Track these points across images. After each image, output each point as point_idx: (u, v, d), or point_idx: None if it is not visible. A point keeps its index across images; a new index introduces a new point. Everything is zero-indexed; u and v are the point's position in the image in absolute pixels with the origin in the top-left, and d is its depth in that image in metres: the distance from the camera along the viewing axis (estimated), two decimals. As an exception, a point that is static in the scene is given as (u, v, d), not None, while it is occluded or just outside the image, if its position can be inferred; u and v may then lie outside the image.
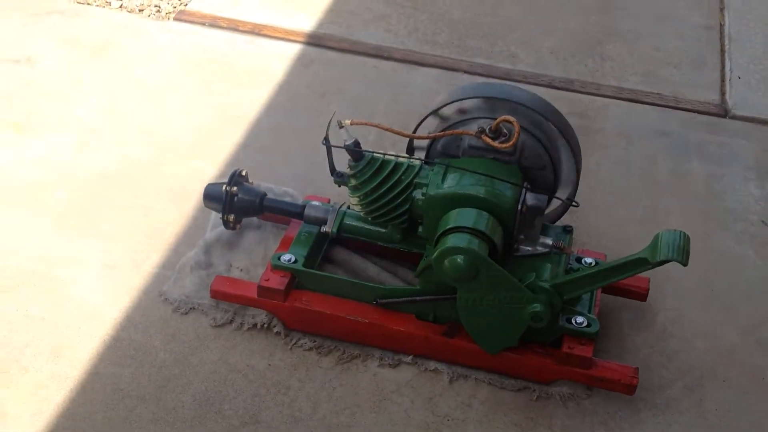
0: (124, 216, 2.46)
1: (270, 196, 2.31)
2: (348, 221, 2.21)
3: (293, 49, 3.16)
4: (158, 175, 2.61)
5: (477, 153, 2.08)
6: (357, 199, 2.11)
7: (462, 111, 2.14)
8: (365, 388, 2.07)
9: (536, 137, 2.08)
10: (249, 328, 2.17)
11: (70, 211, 2.47)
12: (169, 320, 2.19)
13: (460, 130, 2.08)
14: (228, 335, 2.16)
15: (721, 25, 3.46)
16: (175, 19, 3.28)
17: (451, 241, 1.90)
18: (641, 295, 2.24)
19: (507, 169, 2.04)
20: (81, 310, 2.20)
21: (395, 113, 2.88)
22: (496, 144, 2.03)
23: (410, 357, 2.12)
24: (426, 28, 3.32)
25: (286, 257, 2.16)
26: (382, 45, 3.21)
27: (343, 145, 2.06)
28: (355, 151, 2.06)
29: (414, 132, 2.17)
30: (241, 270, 2.29)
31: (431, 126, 2.17)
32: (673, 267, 1.93)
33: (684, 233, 1.90)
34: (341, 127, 2.04)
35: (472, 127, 2.07)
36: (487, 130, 2.05)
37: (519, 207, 1.97)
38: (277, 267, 2.15)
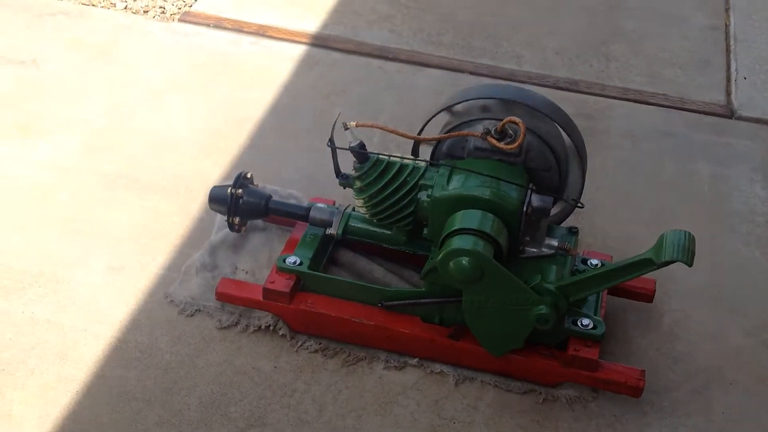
0: (129, 218, 2.46)
1: (275, 198, 2.31)
2: (353, 223, 2.21)
3: (298, 50, 3.16)
4: (163, 177, 2.61)
5: (482, 154, 2.07)
6: (362, 201, 2.11)
7: (467, 112, 2.14)
8: (371, 391, 2.07)
9: (542, 138, 2.07)
10: (254, 331, 2.17)
11: (76, 212, 2.47)
12: (174, 322, 2.19)
13: (465, 131, 2.07)
14: (233, 337, 2.16)
15: (727, 26, 3.45)
16: (179, 20, 3.28)
17: (456, 243, 1.90)
18: (647, 297, 2.24)
19: (512, 170, 2.04)
20: (87, 312, 2.20)
21: (400, 114, 2.88)
22: (501, 145, 2.02)
23: (416, 359, 2.12)
24: (431, 29, 3.32)
25: (292, 259, 2.16)
26: (386, 46, 3.21)
27: (348, 147, 2.06)
28: (360, 152, 2.06)
29: (419, 133, 2.16)
30: (247, 272, 2.29)
31: (442, 123, 2.17)
32: (679, 268, 1.93)
33: (689, 233, 1.89)
34: (346, 128, 2.04)
35: (478, 129, 2.07)
36: (492, 132, 2.04)
37: (524, 209, 1.97)
38: (282, 269, 2.15)
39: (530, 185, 2.02)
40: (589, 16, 3.45)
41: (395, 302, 2.10)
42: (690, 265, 1.84)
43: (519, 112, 2.07)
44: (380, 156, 2.08)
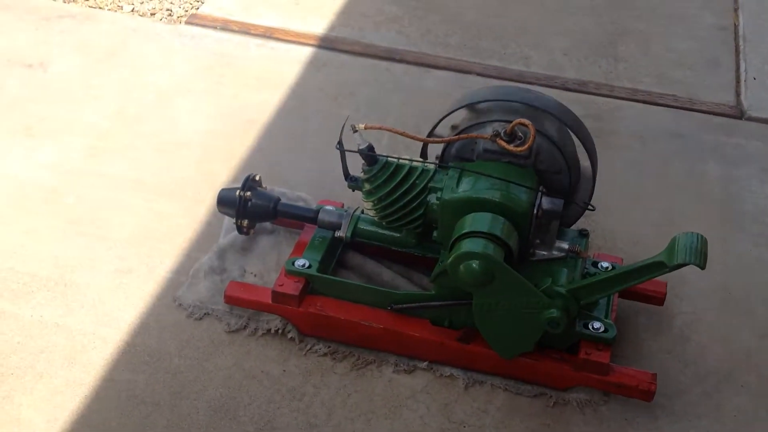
0: (136, 221, 2.46)
1: (283, 200, 2.30)
2: (362, 226, 2.20)
3: (305, 53, 3.16)
4: (170, 180, 2.61)
5: (492, 156, 2.06)
6: (371, 203, 2.10)
7: (478, 114, 2.12)
8: (380, 395, 2.06)
9: (552, 140, 2.06)
10: (263, 334, 2.16)
11: (82, 215, 2.47)
12: (183, 326, 2.18)
13: (474, 133, 2.06)
14: (242, 341, 2.15)
15: (735, 26, 3.43)
16: (186, 22, 3.28)
17: (466, 246, 1.89)
18: (658, 300, 2.22)
19: (522, 172, 2.02)
20: (95, 315, 2.20)
21: (408, 116, 2.87)
22: (511, 147, 2.01)
23: (425, 363, 2.11)
24: (438, 30, 3.31)
25: (300, 262, 2.15)
26: (394, 47, 3.20)
27: (356, 150, 2.05)
28: (369, 155, 2.05)
29: (428, 135, 2.15)
30: (255, 275, 2.28)
31: (445, 131, 2.15)
32: (690, 270, 1.91)
33: (701, 236, 1.88)
34: (355, 131, 2.03)
35: (487, 131, 2.06)
36: (502, 134, 2.03)
37: (535, 211, 1.96)
38: (291, 272, 2.14)
39: (540, 187, 2.01)
40: (596, 17, 3.44)
41: (405, 305, 2.09)
42: (703, 268, 1.82)
43: (528, 115, 2.06)
44: (389, 158, 2.07)
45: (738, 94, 3.08)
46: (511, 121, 2.01)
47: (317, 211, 2.25)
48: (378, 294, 2.11)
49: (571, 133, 2.11)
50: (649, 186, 2.69)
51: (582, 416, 2.03)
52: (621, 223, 2.54)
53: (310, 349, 2.14)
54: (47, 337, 2.14)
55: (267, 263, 2.31)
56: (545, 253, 2.03)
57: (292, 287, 2.12)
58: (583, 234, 2.17)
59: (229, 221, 2.36)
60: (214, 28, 3.26)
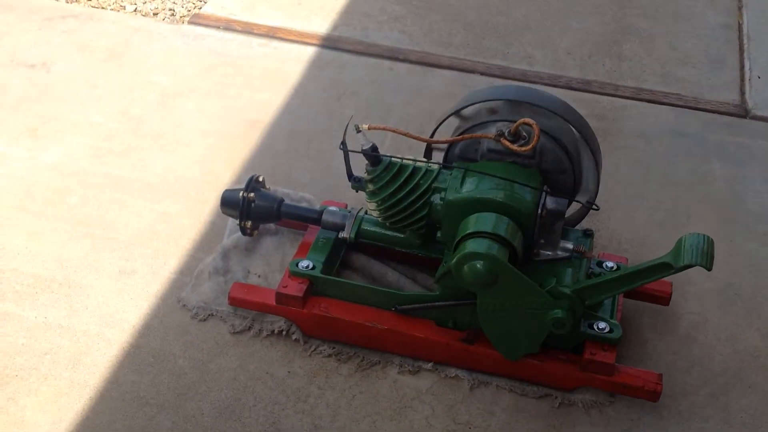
0: (140, 221, 2.46)
1: (287, 201, 2.30)
2: (366, 227, 2.20)
3: (308, 52, 3.15)
4: (173, 180, 2.60)
5: (496, 156, 2.05)
6: (375, 204, 2.09)
7: (480, 114, 2.12)
8: (385, 396, 2.05)
9: (556, 140, 2.05)
10: (267, 335, 2.16)
11: (86, 216, 2.47)
12: (187, 327, 2.18)
13: (478, 133, 2.06)
14: (247, 342, 2.15)
15: (740, 24, 3.42)
16: (189, 22, 3.27)
17: (471, 246, 1.88)
18: (664, 300, 2.22)
19: (526, 172, 2.02)
20: (99, 316, 2.20)
21: (411, 115, 2.86)
22: (515, 147, 2.00)
23: (430, 364, 2.11)
24: (441, 30, 3.30)
25: (304, 263, 2.15)
26: (397, 47, 3.19)
27: (360, 150, 2.04)
28: (372, 155, 2.04)
29: (432, 136, 2.14)
30: (259, 276, 2.27)
31: (448, 131, 2.15)
32: (696, 270, 1.90)
33: (708, 237, 1.87)
34: (358, 131, 2.02)
35: (491, 131, 2.05)
36: (506, 133, 2.02)
37: (539, 211, 1.95)
38: (295, 273, 2.14)
39: (545, 187, 2.00)
40: (600, 15, 3.43)
41: (409, 306, 2.09)
42: (709, 269, 1.82)
43: (531, 114, 2.05)
44: (393, 159, 2.06)
45: (743, 92, 3.08)
46: (515, 121, 2.01)
47: (321, 212, 2.24)
48: (382, 295, 2.11)
49: (576, 133, 2.10)
50: (654, 185, 2.68)
51: (588, 417, 2.02)
52: (625, 223, 2.53)
53: (314, 350, 2.13)
54: (52, 338, 2.14)
55: (271, 264, 2.30)
56: (550, 253, 2.02)
57: (296, 289, 2.12)
58: (588, 234, 2.16)
59: (232, 222, 2.35)
60: (217, 27, 3.25)
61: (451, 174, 2.04)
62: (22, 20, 3.23)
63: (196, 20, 3.28)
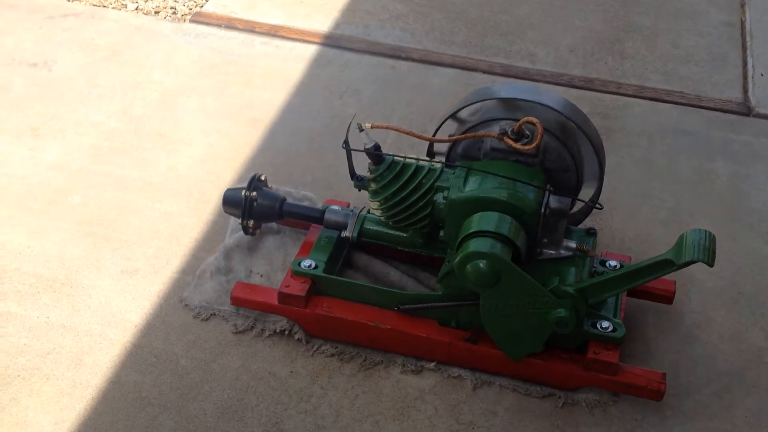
0: (141, 221, 2.45)
1: (289, 200, 2.29)
2: (368, 226, 2.19)
3: (310, 50, 3.14)
4: (175, 179, 2.60)
5: (499, 155, 2.05)
6: (377, 203, 2.08)
7: (483, 113, 2.11)
8: (388, 395, 2.05)
9: (559, 138, 2.04)
10: (270, 335, 2.15)
11: (88, 215, 2.46)
12: (189, 326, 2.18)
13: (481, 132, 2.05)
14: (249, 342, 2.14)
15: (742, 22, 3.41)
16: (190, 21, 3.27)
17: (473, 245, 1.88)
18: (667, 298, 2.21)
19: (530, 171, 2.01)
20: (101, 316, 2.19)
21: (413, 114, 2.85)
22: (518, 146, 2.00)
23: (433, 363, 2.10)
24: (443, 28, 3.29)
25: (307, 263, 2.14)
26: (399, 45, 3.19)
27: (363, 149, 2.03)
28: (375, 154, 2.04)
29: (434, 135, 2.14)
30: (261, 276, 2.27)
31: (451, 130, 2.15)
32: (699, 269, 1.90)
33: (709, 233, 1.86)
34: (361, 130, 2.02)
35: (494, 129, 2.04)
36: (509, 132, 2.01)
37: (542, 210, 1.94)
38: (297, 273, 2.13)
39: (548, 186, 1.99)
40: (602, 13, 3.42)
41: (412, 306, 2.08)
42: (711, 265, 1.81)
43: (534, 113, 2.05)
44: (396, 157, 2.05)
45: (745, 90, 3.06)
46: (518, 119, 2.00)
47: (323, 211, 2.24)
48: (385, 294, 2.10)
49: (579, 131, 2.09)
50: (657, 184, 2.68)
51: (591, 417, 2.02)
52: (628, 222, 2.53)
53: (317, 350, 2.13)
54: (54, 338, 2.13)
55: (273, 264, 2.30)
56: (553, 252, 2.01)
57: (299, 288, 2.11)
58: (591, 233, 2.15)
59: (234, 221, 2.35)
60: (219, 26, 3.24)
61: (453, 173, 2.03)
62: (24, 19, 3.22)
63: (198, 19, 3.27)
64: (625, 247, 2.42)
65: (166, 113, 2.85)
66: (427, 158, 2.13)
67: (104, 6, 3.31)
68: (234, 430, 1.96)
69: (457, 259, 1.89)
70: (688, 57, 3.21)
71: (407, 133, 2.05)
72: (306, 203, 2.38)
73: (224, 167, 2.64)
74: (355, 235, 2.18)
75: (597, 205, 2.09)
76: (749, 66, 3.17)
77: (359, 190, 2.15)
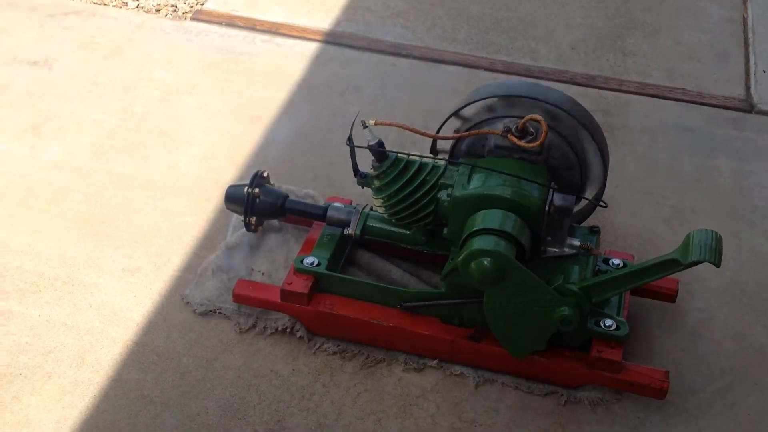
0: (143, 219, 2.44)
1: (292, 197, 2.29)
2: (371, 223, 2.19)
3: (311, 48, 3.13)
4: (176, 177, 2.59)
5: (503, 153, 2.04)
6: (381, 200, 2.08)
7: (487, 110, 2.10)
8: (390, 393, 2.04)
9: (563, 136, 2.04)
10: (272, 333, 2.15)
11: (89, 213, 2.46)
12: (191, 324, 2.17)
13: (485, 129, 2.04)
14: (251, 340, 2.14)
15: (745, 18, 3.40)
16: (191, 18, 3.26)
17: (478, 243, 1.87)
18: (670, 297, 2.20)
19: (534, 169, 2.00)
20: (103, 314, 2.19)
21: (415, 111, 2.85)
22: (522, 143, 1.99)
23: (435, 361, 2.09)
24: (444, 25, 3.28)
25: (309, 260, 2.14)
26: (400, 42, 3.18)
27: (366, 146, 2.03)
28: (379, 151, 2.03)
29: (438, 132, 2.13)
30: (263, 273, 2.26)
31: (454, 127, 2.14)
32: (702, 267, 1.89)
33: (716, 233, 1.86)
34: (365, 127, 2.01)
35: (498, 127, 2.04)
36: (513, 130, 2.01)
37: (546, 208, 1.94)
38: (299, 270, 2.13)
39: (552, 184, 1.98)
40: (604, 10, 3.41)
41: (414, 303, 2.08)
42: (718, 266, 1.80)
43: (538, 110, 2.04)
44: (399, 155, 2.05)
45: (748, 87, 3.06)
46: (522, 117, 2.00)
47: (326, 208, 2.23)
48: (387, 292, 2.10)
49: (583, 129, 2.08)
50: (659, 181, 2.67)
51: (594, 415, 2.01)
52: (631, 219, 2.52)
53: (319, 347, 2.12)
54: (55, 336, 2.13)
55: (275, 261, 2.29)
56: (556, 250, 2.01)
57: (301, 285, 2.11)
58: (594, 231, 2.15)
59: (236, 219, 2.34)
60: (220, 24, 3.24)
61: (457, 170, 2.02)
62: (24, 17, 3.21)
63: (199, 16, 3.27)
64: (628, 245, 2.41)
65: (167, 111, 2.84)
66: (431, 155, 2.12)
67: (105, 4, 3.30)
68: (236, 428, 1.96)
69: (461, 257, 1.88)
70: (690, 54, 3.21)
71: (411, 130, 2.05)
72: (308, 200, 2.38)
73: (225, 165, 2.63)
74: (357, 232, 2.18)
75: (601, 203, 2.08)
76: (751, 63, 3.16)
77: (362, 187, 2.14)
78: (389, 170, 2.03)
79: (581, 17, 3.37)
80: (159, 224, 2.43)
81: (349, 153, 2.06)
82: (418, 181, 2.02)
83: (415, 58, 3.12)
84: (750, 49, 3.23)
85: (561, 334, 1.97)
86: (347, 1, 3.36)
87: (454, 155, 2.12)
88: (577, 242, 2.01)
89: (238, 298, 2.16)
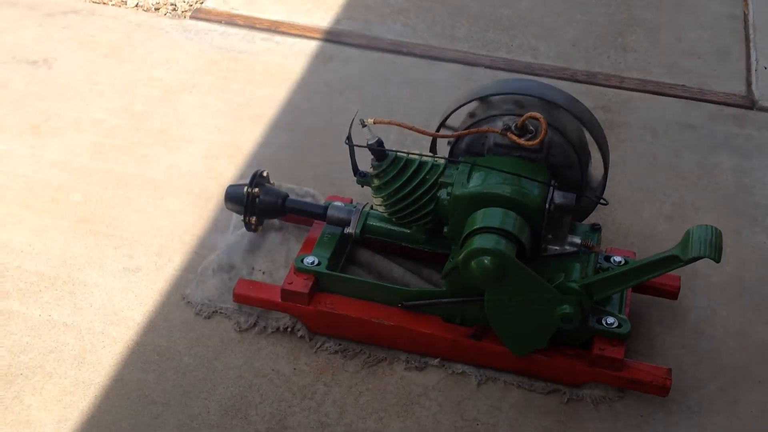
0: (143, 218, 2.44)
1: (292, 197, 2.28)
2: (371, 222, 2.18)
3: (311, 46, 3.13)
4: (176, 176, 2.59)
5: (503, 151, 2.03)
6: (380, 199, 2.07)
7: (486, 108, 2.10)
8: (392, 392, 2.04)
9: (563, 134, 2.03)
10: (273, 332, 2.14)
11: (89, 213, 2.45)
12: (192, 324, 2.17)
13: (485, 127, 2.04)
14: (252, 339, 2.13)
15: (745, 14, 3.39)
16: (191, 17, 3.25)
17: (478, 242, 1.87)
18: (672, 294, 2.20)
19: (534, 167, 2.00)
20: (103, 314, 2.18)
21: (415, 110, 2.84)
22: (522, 141, 1.98)
23: (437, 360, 2.09)
24: (445, 22, 3.28)
25: (309, 259, 2.13)
26: (400, 40, 3.17)
27: (366, 145, 2.02)
28: (378, 150, 2.03)
29: (437, 130, 2.12)
30: (264, 273, 2.26)
31: (458, 121, 2.13)
32: (704, 263, 1.89)
33: (716, 228, 1.85)
34: (364, 125, 2.01)
35: (498, 125, 2.03)
36: (512, 128, 2.00)
37: (547, 206, 1.93)
38: (300, 269, 2.12)
39: (552, 182, 1.98)
40: (604, 7, 3.40)
41: (416, 302, 2.07)
42: (718, 261, 1.80)
43: (537, 108, 2.03)
44: (399, 153, 2.04)
45: (749, 83, 3.05)
46: (521, 115, 1.99)
47: (326, 208, 2.22)
48: (388, 291, 2.09)
49: (583, 126, 2.08)
50: (661, 178, 2.66)
51: (596, 413, 2.01)
52: (632, 217, 2.51)
53: (320, 347, 2.12)
54: (56, 336, 2.13)
55: (276, 260, 2.29)
56: (557, 248, 2.00)
57: (302, 285, 2.10)
58: (595, 228, 2.14)
59: (237, 218, 2.34)
60: (219, 22, 3.23)
61: (457, 169, 2.02)
62: (23, 16, 3.21)
63: (198, 15, 3.26)
64: (629, 242, 2.41)
65: (167, 110, 2.83)
66: (431, 154, 2.12)
67: (104, 3, 3.30)
68: (238, 427, 1.96)
69: (462, 256, 1.88)
70: (691, 50, 3.20)
71: (410, 129, 2.04)
72: (308, 199, 2.37)
73: (226, 164, 2.63)
74: (358, 231, 2.17)
75: (602, 201, 2.08)
76: (752, 59, 3.15)
77: (362, 186, 2.14)
78: (389, 169, 2.03)
79: (581, 14, 3.36)
80: (159, 223, 2.43)
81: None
82: (418, 180, 2.02)
83: (415, 56, 3.11)
84: (751, 45, 3.22)
85: (563, 332, 1.96)
86: (347, -1, 3.36)
87: (453, 153, 2.11)
88: (578, 240, 2.01)
89: (239, 298, 2.16)
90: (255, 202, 2.23)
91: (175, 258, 2.33)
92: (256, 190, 2.23)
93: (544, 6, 3.39)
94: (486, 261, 1.85)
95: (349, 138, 2.04)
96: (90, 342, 2.12)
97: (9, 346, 2.10)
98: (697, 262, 1.85)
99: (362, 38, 3.18)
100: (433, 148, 2.19)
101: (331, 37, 3.17)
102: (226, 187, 2.28)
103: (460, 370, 2.08)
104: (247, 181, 2.25)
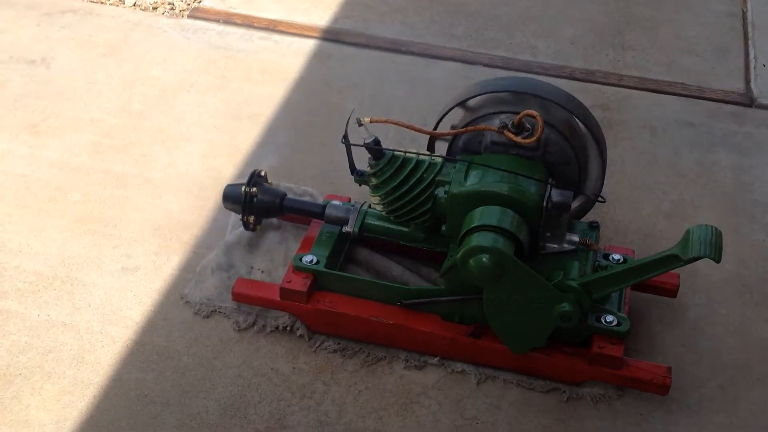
0: (142, 218, 2.44)
1: (290, 196, 2.28)
2: (369, 220, 2.18)
3: (309, 45, 3.12)
4: (175, 176, 2.58)
5: (500, 149, 2.03)
6: (378, 198, 2.07)
7: (484, 106, 2.09)
8: (391, 391, 2.04)
9: (560, 131, 2.03)
10: (272, 331, 2.14)
11: (88, 213, 2.45)
12: (191, 323, 2.17)
13: (481, 125, 2.03)
14: (251, 338, 2.13)
15: (744, 12, 3.39)
16: (189, 16, 3.25)
17: (476, 240, 1.86)
18: (671, 292, 2.19)
19: (531, 164, 1.99)
20: (102, 314, 2.18)
21: (414, 108, 2.84)
22: (519, 139, 1.98)
23: (436, 358, 2.09)
24: (443, 21, 3.27)
25: (308, 258, 2.13)
26: (398, 39, 3.17)
27: (363, 144, 2.02)
28: (375, 149, 2.02)
29: (434, 128, 2.12)
30: (263, 272, 2.26)
31: (456, 119, 2.13)
32: (703, 262, 1.88)
33: (716, 228, 1.85)
34: (360, 125, 2.00)
35: (494, 123, 2.03)
36: (509, 125, 2.00)
37: (544, 204, 1.93)
38: (298, 268, 2.12)
39: (550, 179, 1.98)
40: (603, 4, 3.40)
41: (414, 301, 2.07)
42: (718, 261, 1.79)
43: (535, 105, 2.03)
44: (396, 152, 2.04)
45: (748, 81, 3.05)
46: (518, 113, 1.99)
47: (324, 206, 2.22)
48: (387, 290, 2.09)
49: (580, 124, 2.07)
50: (660, 176, 2.66)
51: (596, 411, 2.01)
52: (631, 215, 2.51)
53: (319, 345, 2.12)
54: (55, 336, 2.12)
55: (274, 259, 2.29)
56: (556, 246, 2.00)
57: (300, 283, 2.10)
58: (594, 226, 2.14)
59: (235, 217, 2.34)
60: (217, 21, 3.23)
61: (455, 167, 2.01)
62: (21, 16, 3.20)
63: (196, 14, 3.26)
64: (629, 240, 2.41)
65: (166, 109, 2.83)
66: (427, 152, 2.12)
67: (102, 2, 3.29)
68: (237, 426, 1.95)
69: (460, 254, 1.87)
70: (690, 48, 3.20)
71: (407, 127, 2.04)
72: (307, 198, 2.37)
73: (224, 163, 2.63)
74: (356, 230, 2.17)
75: (600, 198, 2.07)
76: (751, 57, 3.15)
77: (360, 185, 2.13)
78: (386, 168, 2.03)
79: (580, 12, 3.36)
80: (158, 223, 2.43)
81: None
82: (415, 179, 2.01)
83: (413, 54, 3.11)
84: (750, 43, 3.22)
85: (562, 330, 1.96)
86: (345, -2, 3.36)
87: (451, 152, 2.11)
88: (576, 238, 2.01)
89: (237, 297, 2.15)
90: (253, 201, 2.23)
91: (173, 257, 2.33)
92: (254, 189, 2.22)
93: (542, 4, 3.39)
94: (484, 259, 1.85)
95: (345, 137, 2.03)
96: (89, 342, 2.12)
97: (7, 346, 2.10)
98: (697, 261, 1.85)
99: (360, 37, 3.17)
100: (431, 147, 2.18)
101: (330, 35, 3.17)
102: (224, 187, 2.28)
103: (460, 369, 2.08)
104: (245, 180, 2.24)
